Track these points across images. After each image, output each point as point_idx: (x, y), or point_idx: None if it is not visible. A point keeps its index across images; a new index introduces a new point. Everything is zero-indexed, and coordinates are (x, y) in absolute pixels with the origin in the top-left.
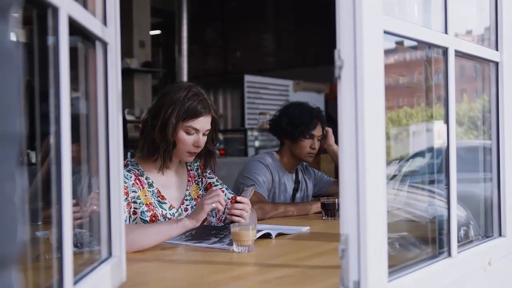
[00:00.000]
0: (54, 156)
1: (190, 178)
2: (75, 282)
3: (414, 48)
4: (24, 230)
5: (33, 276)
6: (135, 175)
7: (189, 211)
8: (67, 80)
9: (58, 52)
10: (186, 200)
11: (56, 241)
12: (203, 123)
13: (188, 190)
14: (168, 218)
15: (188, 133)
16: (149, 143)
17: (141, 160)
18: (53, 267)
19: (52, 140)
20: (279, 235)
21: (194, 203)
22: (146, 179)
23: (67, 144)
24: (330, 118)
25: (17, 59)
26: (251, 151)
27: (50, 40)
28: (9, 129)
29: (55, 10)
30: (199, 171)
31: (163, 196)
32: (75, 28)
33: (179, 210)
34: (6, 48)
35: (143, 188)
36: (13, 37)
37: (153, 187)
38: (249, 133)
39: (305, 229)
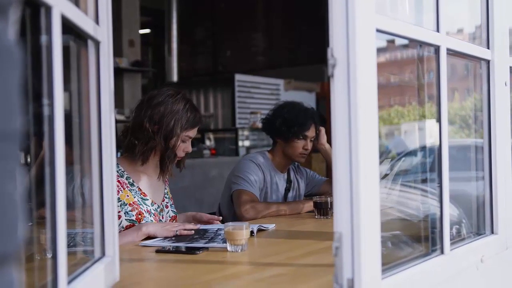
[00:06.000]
0: (47, 157)
1: (166, 179)
2: (69, 282)
3: (405, 46)
4: (24, 228)
5: (26, 276)
6: None
7: (169, 208)
8: (60, 79)
9: (51, 51)
10: (166, 198)
11: (50, 241)
12: (196, 131)
13: (166, 189)
14: (152, 213)
15: (184, 141)
16: (149, 149)
17: (124, 160)
18: (45, 267)
19: (45, 140)
20: (259, 231)
21: (171, 202)
22: (126, 179)
23: (60, 145)
24: (321, 117)
25: (17, 58)
26: (242, 151)
27: (43, 38)
28: (10, 127)
29: (48, 8)
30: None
31: (144, 193)
32: (67, 27)
33: (161, 206)
34: (6, 47)
35: (124, 189)
36: (12, 35)
37: (134, 186)
38: (240, 132)
39: (271, 226)
